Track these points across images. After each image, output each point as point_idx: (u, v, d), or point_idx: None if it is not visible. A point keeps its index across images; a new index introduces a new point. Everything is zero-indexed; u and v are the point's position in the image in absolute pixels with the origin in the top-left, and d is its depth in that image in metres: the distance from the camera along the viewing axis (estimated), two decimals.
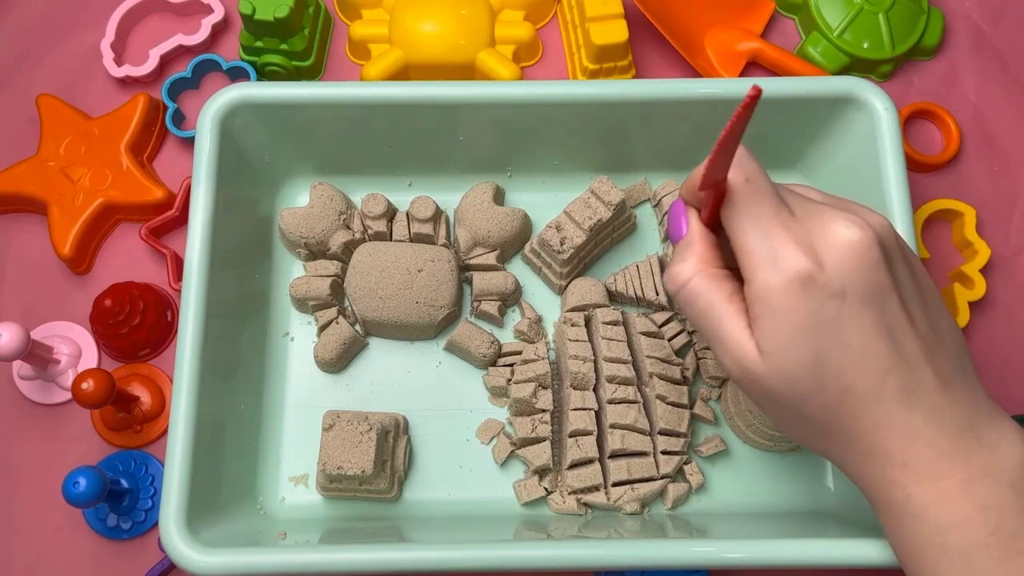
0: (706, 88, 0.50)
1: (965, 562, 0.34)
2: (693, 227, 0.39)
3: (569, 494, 0.49)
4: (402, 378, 0.53)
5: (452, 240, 0.55)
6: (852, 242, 0.35)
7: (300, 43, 0.59)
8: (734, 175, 0.36)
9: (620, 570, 0.46)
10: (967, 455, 0.35)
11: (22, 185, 0.56)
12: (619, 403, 0.49)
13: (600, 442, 0.49)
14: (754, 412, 0.49)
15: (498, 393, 0.52)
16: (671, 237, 0.40)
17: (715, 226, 0.38)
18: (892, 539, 0.37)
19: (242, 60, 0.60)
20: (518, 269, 0.55)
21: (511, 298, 0.53)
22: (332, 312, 0.53)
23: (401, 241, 0.54)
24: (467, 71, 0.60)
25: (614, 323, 0.51)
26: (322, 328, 0.52)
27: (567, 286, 0.53)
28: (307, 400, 0.52)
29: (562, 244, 0.51)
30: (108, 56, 0.60)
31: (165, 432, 0.50)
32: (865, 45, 0.61)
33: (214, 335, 0.47)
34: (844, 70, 0.61)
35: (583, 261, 0.54)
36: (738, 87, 0.51)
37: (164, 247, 0.56)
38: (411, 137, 0.53)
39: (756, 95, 0.31)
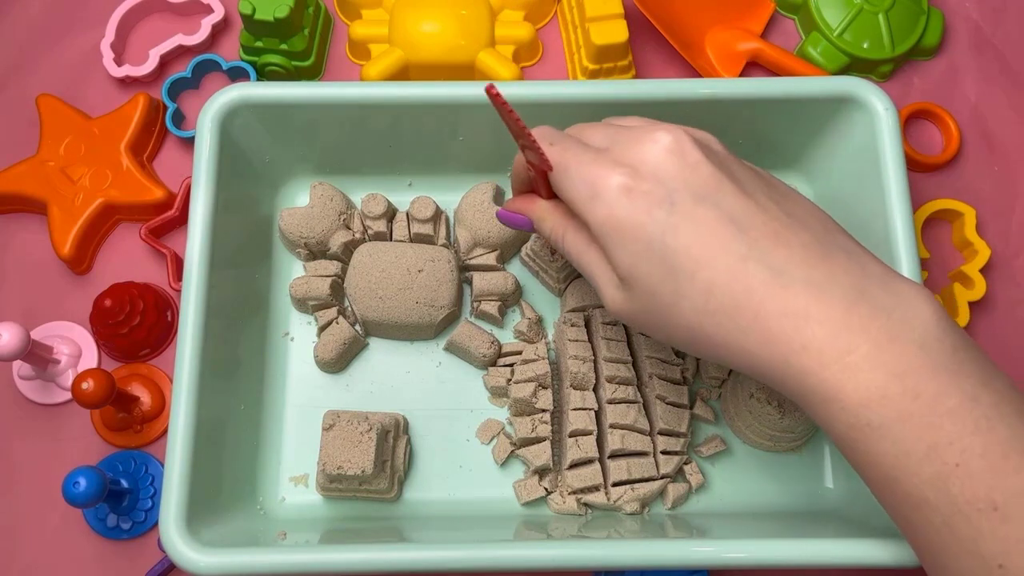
0: (706, 88, 0.50)
1: (893, 435, 0.33)
2: (534, 206, 0.43)
3: (569, 494, 0.49)
4: (402, 378, 0.53)
5: (452, 240, 0.55)
6: (664, 146, 0.36)
7: (300, 43, 0.59)
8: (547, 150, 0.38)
9: (620, 570, 0.46)
10: (866, 324, 0.34)
11: (22, 185, 0.56)
12: (619, 403, 0.49)
13: (600, 442, 0.49)
14: (754, 412, 0.49)
15: (498, 393, 0.52)
16: (524, 229, 0.44)
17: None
18: (827, 433, 0.35)
19: (242, 60, 0.60)
20: (518, 269, 0.55)
21: (511, 298, 0.53)
22: (332, 312, 0.53)
23: (401, 241, 0.54)
24: (467, 71, 0.60)
25: (614, 323, 0.51)
26: (322, 328, 0.52)
27: (566, 288, 0.53)
28: (307, 400, 0.52)
29: (553, 254, 0.51)
30: (108, 56, 0.60)
31: (165, 432, 0.50)
32: (865, 45, 0.61)
33: (214, 335, 0.47)
34: (844, 70, 0.61)
35: None
36: (738, 87, 0.51)
37: (164, 247, 0.56)
38: (411, 137, 0.53)
39: (490, 93, 0.35)
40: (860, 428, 0.33)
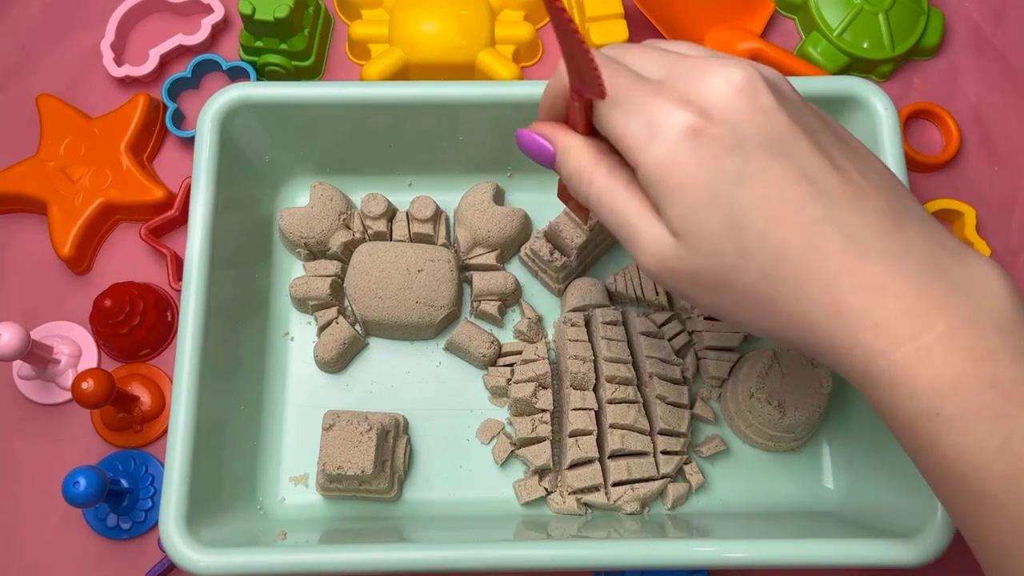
0: None
1: (964, 426, 0.30)
2: (564, 135, 0.36)
3: (569, 494, 0.49)
4: (402, 378, 0.53)
5: (452, 240, 0.55)
6: (735, 84, 0.31)
7: (300, 43, 0.59)
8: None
9: (620, 570, 0.46)
10: (943, 302, 0.30)
11: (22, 185, 0.56)
12: (619, 403, 0.49)
13: (600, 442, 0.49)
14: (754, 412, 0.49)
15: (498, 393, 0.52)
16: (541, 161, 0.37)
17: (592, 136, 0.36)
18: (886, 420, 0.32)
19: (242, 60, 0.60)
20: (518, 269, 0.55)
21: (511, 298, 0.53)
22: (332, 312, 0.53)
23: (401, 241, 0.54)
24: (467, 71, 0.60)
25: (614, 323, 0.51)
26: (322, 328, 0.52)
27: (566, 288, 0.53)
28: (307, 400, 0.52)
29: (551, 254, 0.51)
30: (108, 56, 0.60)
31: (165, 432, 0.50)
32: (865, 45, 0.61)
33: (214, 335, 0.47)
34: (844, 70, 0.61)
35: (584, 261, 0.54)
36: None
37: (164, 247, 0.56)
38: (411, 137, 0.53)
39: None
40: (928, 416, 0.30)
